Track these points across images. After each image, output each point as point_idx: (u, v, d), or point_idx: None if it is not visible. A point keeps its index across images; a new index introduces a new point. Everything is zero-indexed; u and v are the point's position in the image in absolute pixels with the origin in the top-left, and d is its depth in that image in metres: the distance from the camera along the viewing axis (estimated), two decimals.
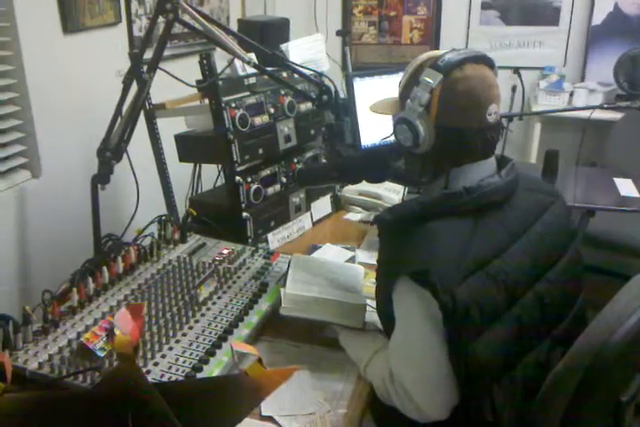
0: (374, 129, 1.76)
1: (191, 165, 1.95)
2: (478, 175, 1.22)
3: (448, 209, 1.18)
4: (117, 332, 0.51)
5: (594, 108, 2.33)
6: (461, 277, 1.11)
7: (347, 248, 1.86)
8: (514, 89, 3.66)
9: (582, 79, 3.64)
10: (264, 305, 1.45)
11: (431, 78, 1.17)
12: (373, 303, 1.38)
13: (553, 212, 1.33)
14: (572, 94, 3.48)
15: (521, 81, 3.57)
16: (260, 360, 0.60)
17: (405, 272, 1.13)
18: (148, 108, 1.71)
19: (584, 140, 2.49)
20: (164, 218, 1.63)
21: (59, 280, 1.40)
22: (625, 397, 1.17)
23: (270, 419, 1.19)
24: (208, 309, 1.39)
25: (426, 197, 1.23)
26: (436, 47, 3.84)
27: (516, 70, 3.57)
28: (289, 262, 1.55)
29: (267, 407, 1.21)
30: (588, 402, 1.12)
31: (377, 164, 1.43)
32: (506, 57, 3.65)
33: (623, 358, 1.09)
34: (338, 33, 3.33)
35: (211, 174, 2.01)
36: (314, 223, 2.02)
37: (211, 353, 1.23)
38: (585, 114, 2.53)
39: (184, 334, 1.29)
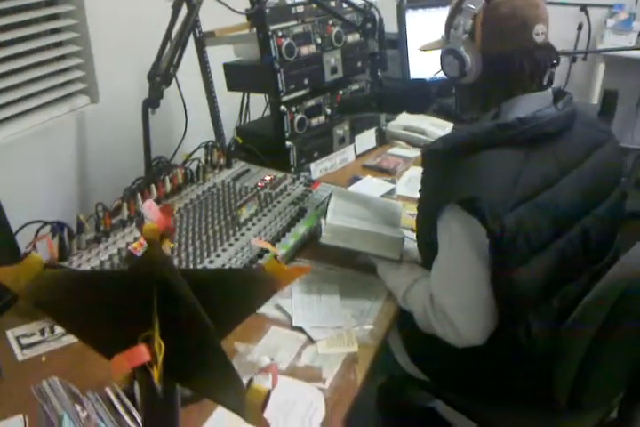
0: (425, 64, 1.75)
1: (241, 95, 2.00)
2: (533, 107, 1.19)
3: (501, 139, 1.17)
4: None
5: None
6: (511, 205, 1.11)
7: (387, 181, 1.90)
8: (580, 27, 3.49)
9: None
10: (301, 229, 1.52)
11: (473, 4, 1.16)
12: (412, 235, 1.43)
13: (605, 150, 1.31)
14: None
15: (588, 19, 3.40)
16: (275, 257, 0.67)
17: (454, 200, 1.13)
18: (197, 36, 1.75)
19: None
20: (210, 144, 1.70)
21: (112, 196, 1.50)
22: None
23: (300, 329, 1.28)
24: (248, 229, 1.47)
25: (477, 128, 1.21)
26: None
27: (583, 7, 3.39)
28: (330, 194, 1.60)
29: (298, 319, 1.31)
30: (615, 332, 1.15)
31: (418, 94, 1.43)
32: None
33: None
34: None
35: (260, 105, 2.06)
36: (357, 156, 2.06)
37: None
38: None
39: (224, 250, 1.38)
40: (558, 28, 3.58)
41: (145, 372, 0.58)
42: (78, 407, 0.86)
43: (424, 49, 1.34)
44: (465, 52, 1.19)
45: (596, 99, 3.40)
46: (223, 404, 0.65)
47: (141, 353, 0.52)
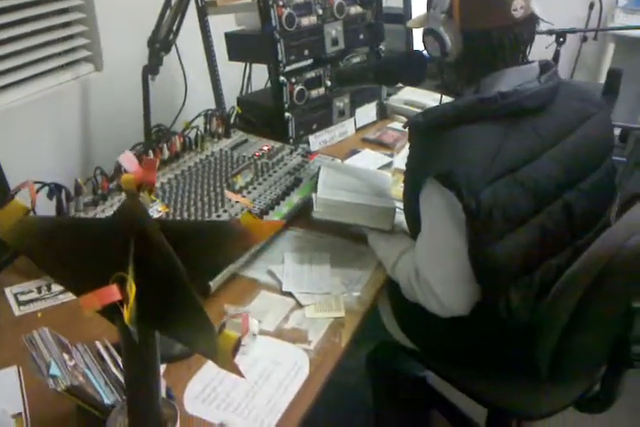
0: None
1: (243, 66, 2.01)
2: (515, 81, 1.19)
3: (481, 113, 1.17)
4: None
5: None
6: (488, 180, 1.12)
7: (386, 155, 1.91)
8: (591, 6, 3.44)
9: None
10: (295, 198, 1.55)
11: None
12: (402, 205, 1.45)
13: (593, 123, 1.30)
14: None
15: None
16: (250, 211, 0.69)
17: (432, 173, 1.14)
18: (199, 4, 1.75)
19: None
20: (209, 112, 1.72)
21: (112, 161, 1.52)
22: (637, 303, 1.16)
23: (289, 294, 1.32)
24: (243, 196, 1.50)
25: (460, 102, 1.22)
26: None
27: None
28: (318, 169, 1.61)
29: (288, 284, 1.34)
30: (598, 302, 1.16)
31: (414, 65, 1.43)
32: None
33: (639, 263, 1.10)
34: None
35: (263, 76, 2.06)
36: (357, 129, 2.07)
37: None
38: None
39: (218, 216, 1.40)
40: (570, 7, 3.56)
41: (122, 318, 0.61)
42: (66, 356, 0.90)
43: (410, 25, 1.34)
44: (444, 33, 1.20)
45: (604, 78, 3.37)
46: (196, 349, 0.68)
47: (112, 292, 0.55)
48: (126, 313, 0.57)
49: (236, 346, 0.66)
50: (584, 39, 3.45)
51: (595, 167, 1.31)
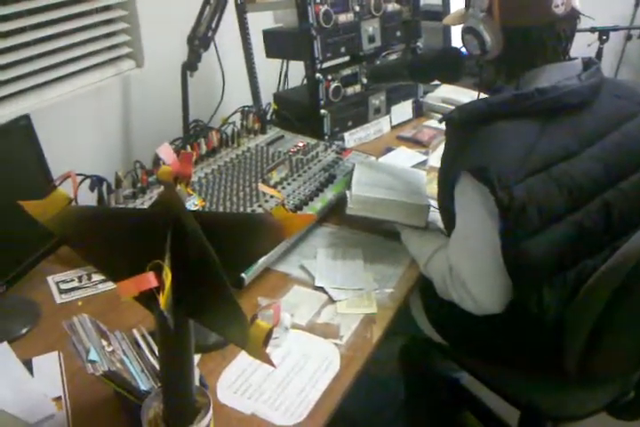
0: None
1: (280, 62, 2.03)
2: (556, 77, 1.18)
3: (517, 110, 1.16)
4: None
5: None
6: (522, 175, 1.11)
7: (421, 153, 1.91)
8: (637, 4, 3.36)
9: None
10: (329, 194, 1.56)
11: None
12: (436, 203, 1.45)
13: (637, 122, 1.28)
14: None
15: None
16: (283, 204, 0.71)
17: (466, 168, 1.15)
18: (238, 1, 1.78)
19: None
20: (246, 109, 1.74)
21: (152, 156, 1.56)
22: None
23: (322, 289, 1.33)
24: (278, 192, 1.51)
25: (494, 98, 1.22)
26: None
27: None
28: (353, 167, 1.62)
29: (320, 280, 1.35)
30: (627, 304, 1.14)
31: (451, 62, 1.43)
32: None
33: None
34: None
35: (300, 73, 2.08)
36: (392, 127, 2.07)
37: None
38: None
39: (253, 211, 1.43)
40: (614, 5, 3.48)
41: (158, 306, 0.63)
42: (104, 342, 0.93)
43: (447, 22, 1.34)
44: (484, 31, 1.19)
45: None
46: (228, 337, 0.70)
47: (148, 279, 0.57)
48: (162, 299, 0.59)
49: (268, 336, 0.67)
50: (629, 37, 3.37)
51: (636, 167, 1.28)
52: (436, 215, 1.45)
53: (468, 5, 1.24)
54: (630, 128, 1.26)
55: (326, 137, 1.85)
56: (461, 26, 1.28)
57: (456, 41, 2.12)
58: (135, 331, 1.03)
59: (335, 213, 1.56)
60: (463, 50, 1.32)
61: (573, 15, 1.19)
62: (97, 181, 1.30)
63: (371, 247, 1.48)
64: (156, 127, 1.84)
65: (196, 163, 1.58)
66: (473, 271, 1.20)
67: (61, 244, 1.21)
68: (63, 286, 1.32)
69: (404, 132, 2.04)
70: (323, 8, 1.68)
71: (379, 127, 2.02)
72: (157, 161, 1.40)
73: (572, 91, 1.18)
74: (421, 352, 1.60)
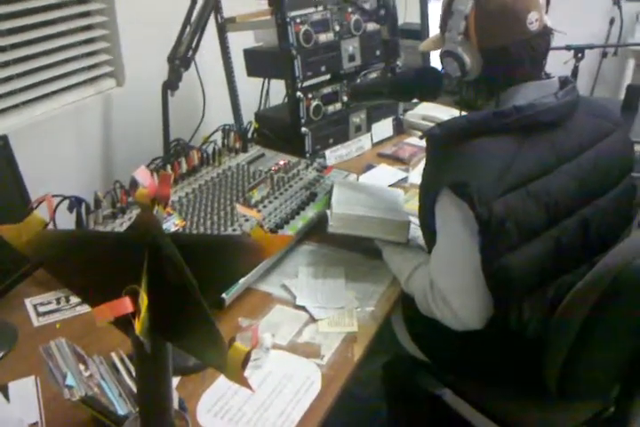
0: None
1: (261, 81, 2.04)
2: (533, 95, 1.21)
3: (496, 127, 1.18)
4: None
5: None
6: (500, 191, 1.13)
7: (402, 170, 1.92)
8: (612, 22, 3.44)
9: None
10: (310, 212, 1.56)
11: (463, 5, 1.17)
12: (417, 221, 1.46)
13: (611, 140, 1.30)
14: None
15: (620, 13, 3.35)
16: (261, 225, 0.70)
17: (446, 184, 1.16)
18: (219, 21, 1.79)
19: None
20: (227, 127, 1.74)
21: (131, 174, 1.55)
22: None
23: (303, 308, 1.33)
24: (259, 211, 1.51)
25: (474, 115, 1.24)
26: None
27: (617, 1, 3.34)
28: (331, 187, 1.63)
29: (302, 299, 1.35)
30: (604, 320, 1.15)
31: (429, 81, 1.44)
32: None
33: None
34: None
35: (281, 91, 2.09)
36: (373, 144, 2.08)
37: None
38: None
39: (234, 230, 1.42)
40: (590, 23, 3.54)
41: (134, 329, 0.63)
42: (82, 367, 0.92)
43: (423, 48, 1.36)
44: (462, 53, 1.21)
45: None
46: (206, 361, 0.69)
47: (124, 304, 0.57)
48: (138, 325, 0.58)
49: (246, 359, 0.67)
50: (604, 55, 3.44)
51: (612, 185, 1.31)
52: (417, 232, 1.46)
53: (443, 30, 1.26)
54: (605, 146, 1.29)
55: (307, 155, 1.85)
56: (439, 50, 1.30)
57: (435, 59, 2.15)
58: (113, 354, 1.02)
59: (316, 230, 1.56)
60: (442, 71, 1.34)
61: (546, 32, 1.22)
62: (75, 202, 1.29)
63: (352, 265, 1.48)
64: (136, 146, 1.83)
65: (177, 182, 1.58)
66: (454, 287, 1.21)
67: (39, 266, 1.20)
68: (41, 309, 1.30)
69: (384, 149, 2.05)
70: (303, 28, 1.70)
71: (360, 145, 2.04)
72: (135, 183, 1.39)
73: (549, 108, 1.20)
74: (404, 370, 1.59)
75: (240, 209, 0.76)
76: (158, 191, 0.67)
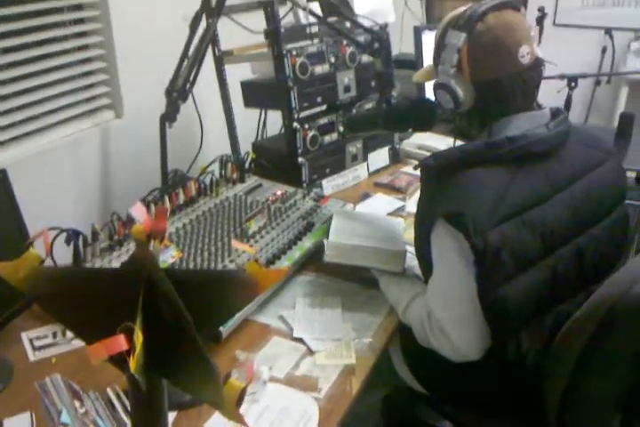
0: None
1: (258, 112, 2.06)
2: (525, 126, 1.22)
3: (489, 157, 1.20)
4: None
5: None
6: (495, 221, 1.13)
7: (398, 199, 1.93)
8: (604, 51, 3.50)
9: None
10: (307, 242, 1.56)
11: (455, 39, 1.19)
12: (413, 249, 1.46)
13: (603, 170, 1.32)
14: None
15: (612, 42, 3.41)
16: (256, 260, 0.71)
17: (441, 214, 1.16)
18: (217, 54, 1.82)
19: None
20: (225, 158, 1.76)
21: (129, 206, 1.56)
22: None
23: (301, 340, 1.32)
24: (256, 241, 1.51)
25: (467, 146, 1.25)
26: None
27: (608, 31, 3.41)
28: (330, 217, 1.64)
29: (299, 330, 1.34)
30: (602, 350, 1.14)
31: (423, 111, 1.46)
32: (598, 16, 3.49)
33: None
34: None
35: (278, 122, 2.11)
36: (370, 174, 2.09)
37: None
38: None
39: (232, 261, 1.41)
40: (582, 52, 3.60)
41: (129, 366, 0.62)
42: (77, 404, 0.91)
43: (416, 79, 1.38)
44: (456, 86, 1.23)
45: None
46: (202, 398, 0.69)
47: (119, 342, 0.57)
48: (132, 363, 0.58)
49: (242, 396, 0.66)
50: (597, 83, 3.49)
51: (605, 214, 1.31)
52: (413, 261, 1.46)
53: (436, 62, 1.28)
54: (598, 176, 1.30)
55: (304, 185, 1.87)
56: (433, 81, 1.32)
57: (429, 89, 2.18)
58: (109, 390, 1.01)
59: (313, 260, 1.56)
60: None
61: (538, 64, 1.24)
62: (73, 235, 1.29)
63: (349, 295, 1.47)
64: (134, 177, 1.84)
65: (175, 213, 1.58)
66: (450, 317, 1.21)
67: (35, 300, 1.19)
68: (37, 343, 1.29)
69: (381, 178, 2.07)
70: (299, 60, 1.73)
71: (356, 174, 2.05)
72: (131, 217, 1.40)
73: (541, 139, 1.21)
74: (403, 402, 1.57)
75: (235, 244, 0.76)
76: (154, 226, 0.67)
